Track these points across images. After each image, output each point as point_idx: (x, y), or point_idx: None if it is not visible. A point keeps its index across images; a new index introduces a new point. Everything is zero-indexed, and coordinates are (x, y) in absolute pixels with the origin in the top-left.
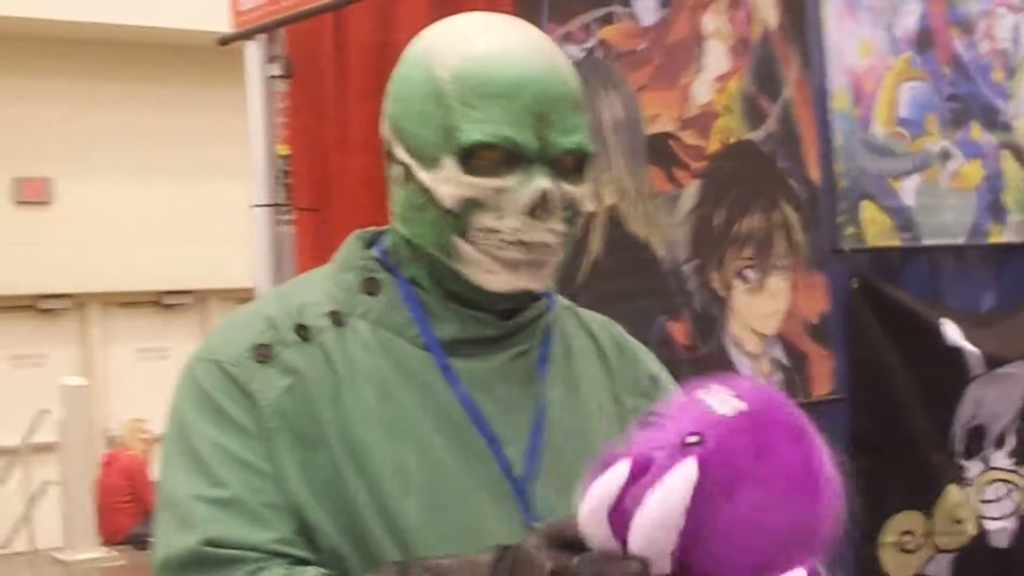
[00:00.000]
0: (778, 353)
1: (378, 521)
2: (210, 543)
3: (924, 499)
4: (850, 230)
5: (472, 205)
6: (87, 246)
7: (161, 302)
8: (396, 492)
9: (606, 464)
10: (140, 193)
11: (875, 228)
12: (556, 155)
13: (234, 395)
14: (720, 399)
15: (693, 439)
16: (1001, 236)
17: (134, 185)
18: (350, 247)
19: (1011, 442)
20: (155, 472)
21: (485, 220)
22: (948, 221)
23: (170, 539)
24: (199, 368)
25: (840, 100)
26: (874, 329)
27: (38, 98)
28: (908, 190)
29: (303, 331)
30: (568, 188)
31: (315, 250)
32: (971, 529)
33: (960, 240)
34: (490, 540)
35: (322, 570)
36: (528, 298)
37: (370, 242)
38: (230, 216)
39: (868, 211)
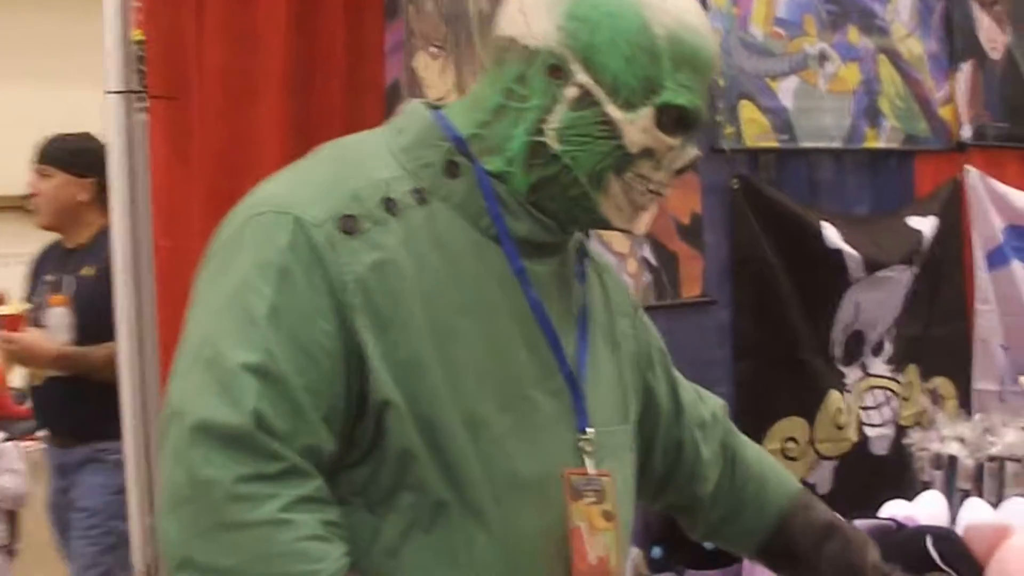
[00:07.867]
0: (647, 253)
1: (452, 408)
2: (258, 426)
3: (806, 405)
4: (729, 130)
5: (645, 153)
6: None
7: (25, 207)
8: (473, 381)
9: None
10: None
11: (753, 129)
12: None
13: (311, 262)
14: None
15: None
16: (877, 141)
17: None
18: (420, 121)
19: (888, 349)
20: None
21: (644, 168)
22: (826, 124)
23: (210, 403)
24: (272, 221)
25: None
26: (755, 230)
27: None
28: (786, 91)
29: (391, 206)
30: None
31: (170, 139)
32: (852, 436)
33: (837, 144)
34: (546, 438)
35: (344, 554)
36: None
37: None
38: (93, 119)
39: (747, 111)
